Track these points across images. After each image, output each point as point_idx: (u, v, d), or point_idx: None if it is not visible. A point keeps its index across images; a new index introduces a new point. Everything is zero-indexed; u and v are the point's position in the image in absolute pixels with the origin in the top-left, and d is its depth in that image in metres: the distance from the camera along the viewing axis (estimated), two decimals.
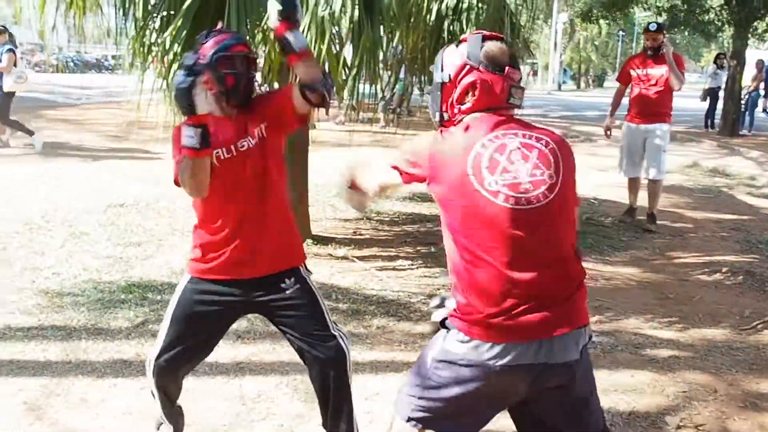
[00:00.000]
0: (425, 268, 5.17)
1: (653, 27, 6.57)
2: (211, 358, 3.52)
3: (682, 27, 18.26)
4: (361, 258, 5.32)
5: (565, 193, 1.87)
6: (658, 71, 6.40)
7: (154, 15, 4.64)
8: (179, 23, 4.11)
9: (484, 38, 1.94)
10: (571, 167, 1.92)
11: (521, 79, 1.98)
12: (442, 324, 1.95)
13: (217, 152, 2.38)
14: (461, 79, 1.91)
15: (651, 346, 3.96)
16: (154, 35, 4.71)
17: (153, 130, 11.14)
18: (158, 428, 2.81)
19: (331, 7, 3.52)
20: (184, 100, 2.15)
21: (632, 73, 6.60)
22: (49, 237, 5.64)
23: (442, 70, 1.96)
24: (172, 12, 4.67)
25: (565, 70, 44.25)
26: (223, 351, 3.64)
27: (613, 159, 7.83)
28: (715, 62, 17.15)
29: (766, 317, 4.44)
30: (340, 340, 2.52)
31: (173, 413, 2.76)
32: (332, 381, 2.52)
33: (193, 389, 3.24)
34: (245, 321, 4.01)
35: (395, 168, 2.06)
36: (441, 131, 1.96)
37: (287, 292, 2.49)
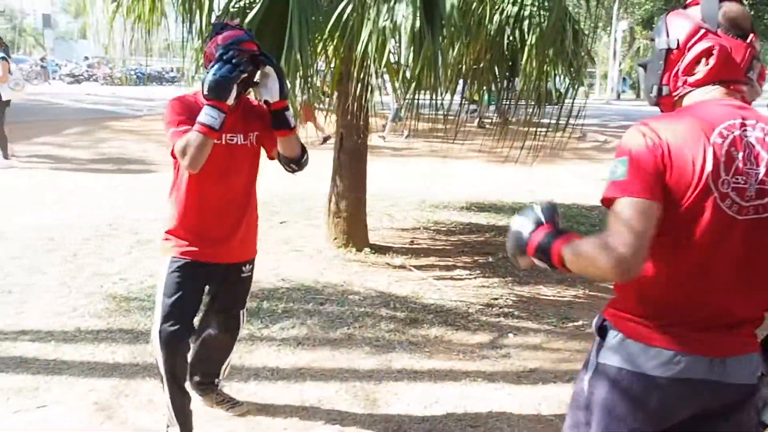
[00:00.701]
0: (483, 278, 5.14)
1: None
2: (272, 364, 3.62)
3: None
4: (419, 267, 5.33)
5: None
6: None
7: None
8: None
9: None
10: None
11: (758, 52, 1.66)
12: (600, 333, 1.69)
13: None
14: (694, 44, 1.61)
15: None
16: None
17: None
18: (167, 429, 2.88)
19: (392, 17, 3.56)
20: (225, 89, 2.44)
21: None
22: (117, 244, 5.83)
23: (667, 36, 1.65)
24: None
25: (624, 79, 43.42)
26: (285, 357, 3.71)
27: None
28: None
29: None
30: (241, 316, 3.02)
31: (183, 409, 2.83)
32: (227, 341, 3.06)
33: (255, 393, 3.32)
34: (305, 328, 4.07)
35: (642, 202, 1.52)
36: (645, 122, 1.59)
37: (242, 275, 2.90)
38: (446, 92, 4.30)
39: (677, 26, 1.64)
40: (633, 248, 1.45)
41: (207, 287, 2.92)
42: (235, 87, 2.48)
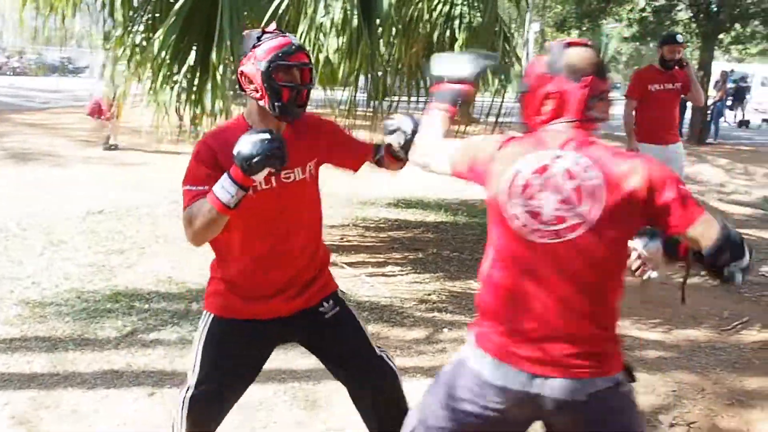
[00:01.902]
0: (415, 274, 5.15)
1: (680, 38, 6.01)
2: None
3: (650, 39, 18.61)
4: (350, 264, 5.28)
5: (598, 235, 1.69)
6: (675, 86, 5.86)
7: (140, 16, 4.56)
8: (168, 27, 4.03)
9: (568, 45, 1.84)
10: (621, 208, 1.69)
11: (608, 90, 1.85)
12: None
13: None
14: (538, 89, 1.82)
15: (639, 348, 4.04)
16: (138, 38, 4.64)
17: (128, 135, 11.08)
18: None
19: (331, 14, 3.50)
20: (257, 166, 1.91)
21: (650, 87, 5.89)
22: (27, 245, 5.49)
23: (523, 80, 1.90)
24: (158, 14, 4.60)
25: None
26: None
27: None
28: None
29: (744, 318, 4.59)
30: (387, 361, 2.38)
31: None
32: (387, 406, 2.36)
33: None
34: None
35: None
36: (509, 139, 1.86)
37: (326, 316, 2.31)
38: (380, 89, 4.26)
39: (531, 72, 1.87)
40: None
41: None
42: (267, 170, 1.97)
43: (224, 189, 1.96)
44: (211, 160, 2.10)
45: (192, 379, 2.23)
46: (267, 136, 1.93)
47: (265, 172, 1.96)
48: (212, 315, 2.26)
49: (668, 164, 6.00)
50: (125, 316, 4.11)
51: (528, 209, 1.72)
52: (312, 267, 2.31)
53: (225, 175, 1.97)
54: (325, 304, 2.31)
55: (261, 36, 2.13)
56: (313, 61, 2.33)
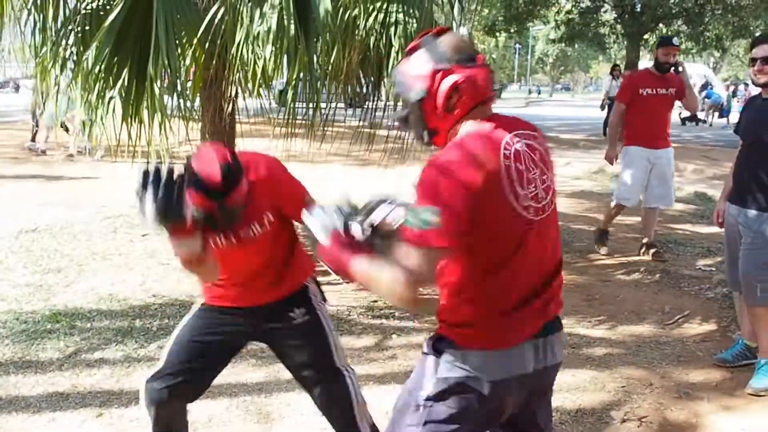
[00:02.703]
0: None
1: (676, 41, 5.83)
2: None
3: (576, 40, 19.17)
4: None
5: (555, 192, 1.83)
6: (669, 90, 5.70)
7: (69, 30, 4.44)
8: (101, 40, 3.95)
9: (437, 34, 1.75)
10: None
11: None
12: (435, 350, 1.80)
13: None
14: (438, 86, 1.70)
15: (586, 345, 4.13)
16: (69, 51, 4.52)
17: (56, 151, 10.70)
18: None
19: (267, 23, 3.50)
20: (175, 212, 1.92)
21: (642, 92, 5.72)
22: None
23: (411, 90, 1.74)
24: (87, 27, 4.49)
25: None
26: None
27: None
28: (611, 73, 18.09)
29: (685, 312, 4.73)
30: (346, 377, 2.47)
31: None
32: (335, 419, 2.51)
33: (137, 418, 3.12)
34: None
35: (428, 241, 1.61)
36: (438, 160, 1.66)
37: (294, 321, 2.42)
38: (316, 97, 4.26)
39: (415, 76, 1.73)
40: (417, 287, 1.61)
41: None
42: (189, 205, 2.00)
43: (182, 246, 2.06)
44: None
45: (159, 365, 2.40)
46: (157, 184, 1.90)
47: (187, 212, 1.95)
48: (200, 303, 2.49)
49: (657, 169, 5.66)
50: (67, 337, 4.00)
51: (532, 194, 1.72)
52: (279, 290, 2.42)
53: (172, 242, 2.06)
54: (296, 310, 2.41)
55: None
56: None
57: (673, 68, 5.70)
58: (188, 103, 4.19)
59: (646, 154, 5.78)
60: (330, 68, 4.07)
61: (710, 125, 22.21)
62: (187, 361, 2.38)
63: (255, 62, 3.63)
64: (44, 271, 5.24)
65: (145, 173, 1.89)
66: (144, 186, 1.88)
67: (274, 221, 2.32)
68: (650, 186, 5.88)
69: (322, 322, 2.47)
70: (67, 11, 4.51)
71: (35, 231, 6.36)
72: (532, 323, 1.78)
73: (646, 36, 17.44)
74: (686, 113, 21.00)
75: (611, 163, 6.33)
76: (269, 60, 3.61)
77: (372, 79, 5.35)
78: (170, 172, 1.91)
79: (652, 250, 6.02)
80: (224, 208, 2.12)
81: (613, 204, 6.23)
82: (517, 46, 42.51)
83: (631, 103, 5.80)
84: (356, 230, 1.78)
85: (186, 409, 2.51)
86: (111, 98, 3.93)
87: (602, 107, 17.64)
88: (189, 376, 2.38)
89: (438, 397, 1.76)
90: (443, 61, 1.70)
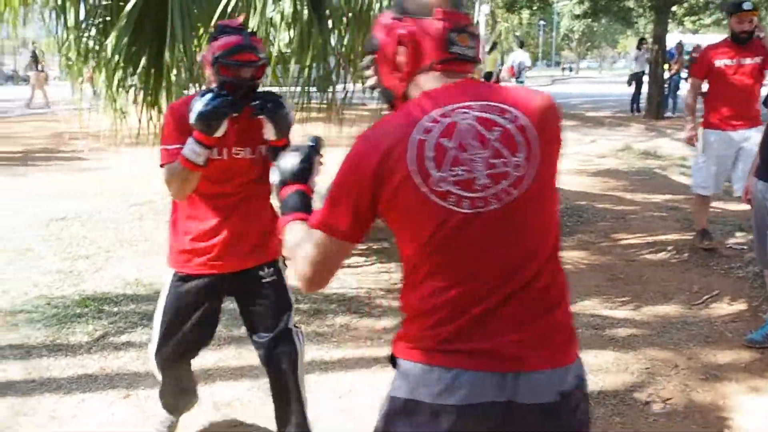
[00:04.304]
0: (380, 264, 5.21)
1: (747, 5, 4.98)
2: None
3: (602, 15, 18.80)
4: None
5: (540, 188, 1.43)
6: (751, 61, 5.01)
7: (92, 21, 4.52)
8: (120, 31, 4.01)
9: None
10: (551, 150, 1.46)
11: (469, 23, 1.51)
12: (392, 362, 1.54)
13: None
14: (386, 39, 1.49)
15: (610, 326, 4.08)
16: (91, 43, 4.60)
17: (83, 141, 10.90)
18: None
19: (281, 7, 3.52)
20: (213, 123, 2.23)
21: (717, 63, 5.10)
22: None
23: (371, 41, 1.56)
24: (108, 18, 4.57)
25: None
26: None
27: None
28: (638, 48, 17.67)
29: (714, 292, 4.61)
30: (295, 336, 2.62)
31: (177, 395, 2.82)
32: (283, 375, 2.62)
33: None
34: None
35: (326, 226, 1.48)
36: (378, 127, 1.49)
37: (263, 280, 2.58)
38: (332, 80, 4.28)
39: (378, 28, 1.54)
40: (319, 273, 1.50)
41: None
42: (225, 122, 2.27)
43: (192, 150, 2.26)
44: (180, 122, 2.34)
45: (155, 335, 2.58)
46: (211, 95, 2.22)
47: (224, 125, 2.25)
48: (173, 271, 2.57)
49: (745, 152, 4.89)
50: (96, 321, 4.11)
51: (457, 179, 1.38)
52: (256, 230, 2.54)
53: (190, 139, 2.26)
54: (266, 268, 2.58)
55: (224, 29, 2.33)
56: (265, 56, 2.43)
57: (751, 35, 5.01)
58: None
59: (726, 136, 5.13)
60: (345, 51, 4.08)
61: None
62: (180, 331, 2.56)
63: (270, 47, 3.65)
64: (74, 258, 5.36)
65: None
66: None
67: (264, 157, 2.45)
68: (737, 171, 5.10)
69: (285, 284, 2.63)
70: (88, 5, 4.60)
71: (64, 219, 6.50)
72: (484, 346, 1.41)
73: (674, 8, 17.04)
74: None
75: (691, 145, 5.58)
76: (284, 45, 3.63)
77: None
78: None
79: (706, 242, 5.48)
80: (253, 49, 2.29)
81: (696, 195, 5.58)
82: (541, 23, 41.73)
83: (708, 79, 5.22)
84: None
85: (190, 365, 2.78)
86: (131, 86, 4.00)
87: (629, 83, 17.33)
88: (184, 343, 2.60)
89: (385, 420, 1.51)
90: (401, 12, 1.49)
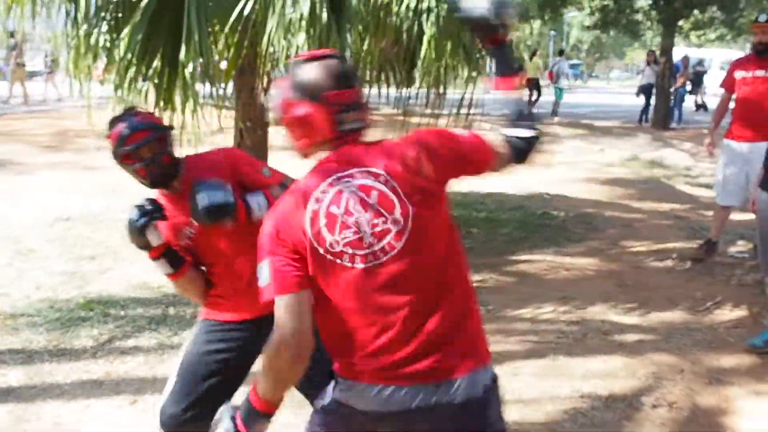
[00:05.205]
0: None
1: (763, 18, 5.04)
2: None
3: (611, 27, 18.83)
4: None
5: (423, 228, 1.59)
6: (765, 73, 5.02)
7: (103, 17, 4.45)
8: (134, 27, 3.94)
9: (305, 61, 1.66)
10: (422, 187, 1.60)
11: (357, 98, 1.66)
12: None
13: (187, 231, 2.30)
14: (286, 115, 1.66)
15: (618, 332, 4.10)
16: (102, 39, 4.53)
17: (90, 139, 10.80)
18: None
19: (299, 10, 3.46)
20: (139, 239, 2.20)
21: (737, 75, 5.14)
22: None
23: (277, 108, 1.71)
24: (120, 14, 4.50)
25: None
26: None
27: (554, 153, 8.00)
28: (647, 60, 17.70)
29: (717, 299, 4.68)
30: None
31: None
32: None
33: None
34: None
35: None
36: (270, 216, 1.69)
37: None
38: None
39: (279, 98, 1.68)
40: (296, 339, 1.57)
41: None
42: (155, 230, 2.20)
43: (157, 268, 2.27)
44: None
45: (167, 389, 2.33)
46: (135, 213, 2.20)
47: (155, 234, 2.20)
48: (200, 319, 2.43)
49: (751, 165, 4.82)
50: (101, 324, 4.04)
51: (347, 240, 1.58)
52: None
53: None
54: None
55: (115, 120, 2.28)
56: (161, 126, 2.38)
57: None
58: (220, 91, 4.19)
59: (744, 148, 5.09)
60: (362, 55, 4.02)
61: None
62: (201, 380, 2.28)
63: (288, 49, 3.59)
64: (79, 258, 5.29)
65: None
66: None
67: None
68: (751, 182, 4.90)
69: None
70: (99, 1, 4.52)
71: (69, 219, 6.44)
72: (413, 367, 1.59)
73: (680, 22, 17.07)
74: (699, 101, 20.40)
75: (710, 155, 5.69)
76: (302, 47, 3.57)
77: (405, 65, 5.30)
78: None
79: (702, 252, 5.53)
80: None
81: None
82: (552, 33, 41.91)
83: (731, 90, 5.24)
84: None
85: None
86: (145, 81, 3.93)
87: (637, 94, 17.33)
88: (204, 395, 2.27)
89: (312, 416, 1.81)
90: (293, 93, 1.64)
